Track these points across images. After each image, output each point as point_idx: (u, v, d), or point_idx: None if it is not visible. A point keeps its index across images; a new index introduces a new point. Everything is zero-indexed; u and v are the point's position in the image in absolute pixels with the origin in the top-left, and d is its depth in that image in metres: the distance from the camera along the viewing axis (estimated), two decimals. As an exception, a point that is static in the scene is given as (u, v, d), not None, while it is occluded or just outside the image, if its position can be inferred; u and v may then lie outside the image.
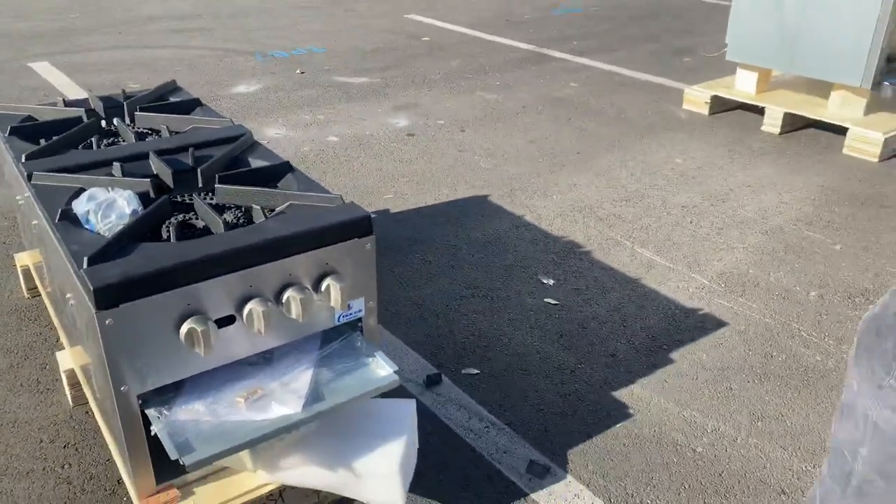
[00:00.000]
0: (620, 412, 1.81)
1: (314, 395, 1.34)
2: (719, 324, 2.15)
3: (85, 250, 1.25)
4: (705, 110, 3.90)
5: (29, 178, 1.55)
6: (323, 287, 1.38)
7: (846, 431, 0.97)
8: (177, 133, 1.85)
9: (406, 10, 6.33)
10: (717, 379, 1.93)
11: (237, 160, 1.68)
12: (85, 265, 1.21)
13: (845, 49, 3.34)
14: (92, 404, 1.65)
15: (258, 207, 1.47)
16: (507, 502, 1.55)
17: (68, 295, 1.44)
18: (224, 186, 1.51)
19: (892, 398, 0.89)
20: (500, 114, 3.87)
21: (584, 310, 2.21)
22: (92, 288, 1.16)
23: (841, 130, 3.48)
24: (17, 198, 1.85)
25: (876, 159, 3.30)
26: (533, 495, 1.57)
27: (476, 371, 1.94)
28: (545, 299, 2.27)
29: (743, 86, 3.86)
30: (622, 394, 1.87)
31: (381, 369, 1.41)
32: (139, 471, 1.34)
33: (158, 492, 1.38)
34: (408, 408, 1.48)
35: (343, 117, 3.74)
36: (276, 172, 1.61)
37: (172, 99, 2.08)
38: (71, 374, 1.75)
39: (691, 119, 3.85)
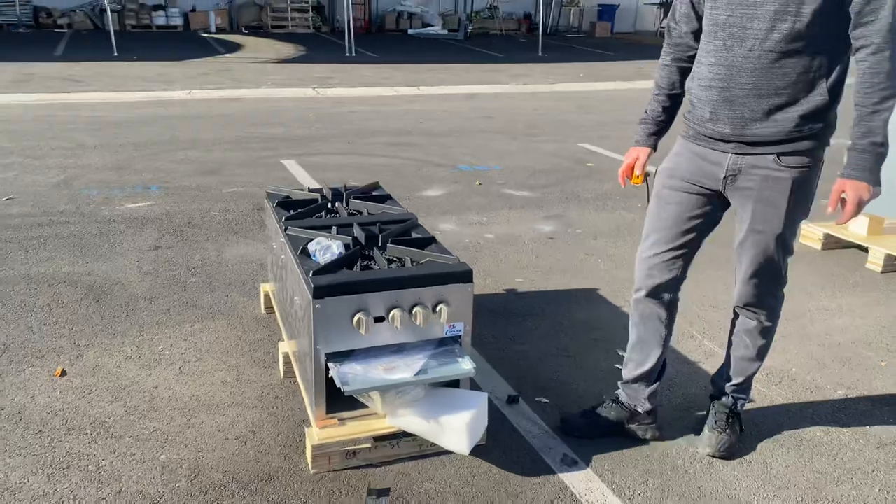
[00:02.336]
0: (642, 441, 2.49)
1: (423, 371, 2.22)
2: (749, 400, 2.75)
3: (311, 268, 2.27)
4: (818, 245, 4.42)
5: (285, 230, 2.64)
6: (437, 309, 2.28)
7: None
8: (372, 214, 2.89)
9: (581, 140, 7.34)
10: (728, 434, 2.54)
11: (404, 232, 2.67)
12: (311, 275, 2.22)
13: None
14: (297, 374, 2.65)
15: (409, 259, 2.42)
16: (542, 475, 2.30)
17: (296, 298, 2.46)
18: (393, 246, 2.49)
19: None
20: (633, 229, 4.65)
21: (643, 376, 2.91)
22: (313, 286, 2.16)
23: (938, 274, 3.87)
24: (273, 244, 2.98)
25: (963, 302, 3.66)
26: (560, 475, 2.31)
27: (546, 400, 2.72)
28: (616, 365, 2.99)
29: (856, 228, 4.35)
30: (649, 431, 2.55)
31: (466, 365, 2.27)
32: (319, 402, 2.28)
33: (327, 419, 2.31)
34: (481, 396, 2.31)
35: (502, 220, 4.73)
36: (426, 241, 2.57)
37: (374, 193, 3.16)
38: (285, 356, 2.77)
39: (802, 252, 4.38)
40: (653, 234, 2.36)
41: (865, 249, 4.27)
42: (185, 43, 14.86)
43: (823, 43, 2.01)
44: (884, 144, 1.99)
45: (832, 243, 4.42)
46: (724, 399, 2.51)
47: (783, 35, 1.98)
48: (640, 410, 2.50)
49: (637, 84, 11.54)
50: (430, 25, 18.33)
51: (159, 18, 16.98)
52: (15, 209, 4.61)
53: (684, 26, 2.26)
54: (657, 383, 2.51)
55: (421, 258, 2.44)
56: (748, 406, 2.68)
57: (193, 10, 17.17)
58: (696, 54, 2.25)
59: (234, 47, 14.62)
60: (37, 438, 2.39)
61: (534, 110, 9.03)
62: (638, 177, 2.43)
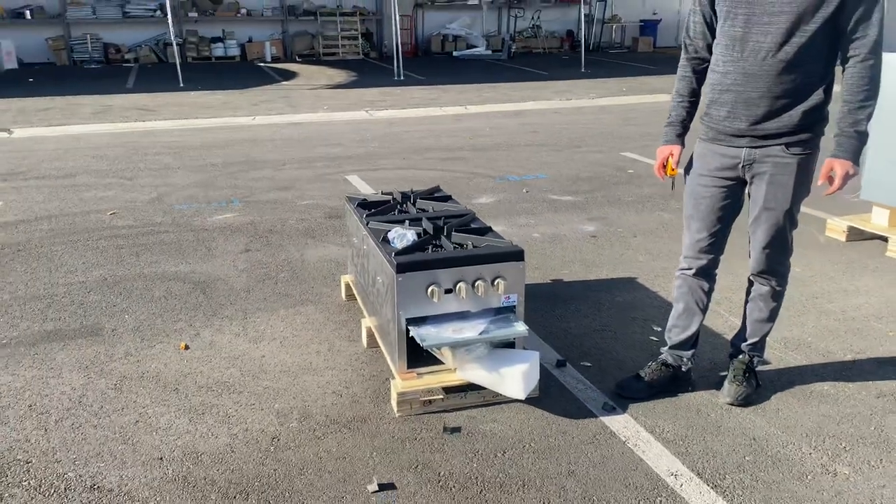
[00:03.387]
0: (672, 393, 2.95)
1: (485, 332, 2.73)
2: (764, 363, 3.18)
3: (393, 251, 2.80)
4: (843, 237, 4.79)
5: (367, 224, 3.19)
6: (495, 283, 2.79)
7: None
8: (436, 211, 3.42)
9: (623, 150, 7.78)
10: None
11: (465, 223, 3.19)
12: (394, 256, 2.75)
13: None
14: (381, 345, 3.18)
15: (470, 244, 2.94)
16: (586, 418, 2.78)
17: (378, 278, 3.00)
18: (457, 233, 3.01)
19: None
20: (670, 228, 5.08)
21: (674, 346, 3.35)
22: (395, 263, 2.69)
23: (951, 258, 4.21)
24: (354, 238, 3.53)
25: (973, 282, 4.01)
26: (601, 418, 2.78)
27: (589, 364, 3.20)
28: (650, 337, 3.45)
29: (877, 220, 4.71)
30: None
31: (520, 328, 2.77)
32: (401, 358, 2.81)
33: (407, 372, 2.83)
34: (533, 354, 2.80)
35: (547, 222, 5.22)
36: (483, 230, 3.09)
37: (436, 195, 3.69)
38: (368, 330, 3.31)
39: (828, 243, 4.76)
40: (694, 223, 2.83)
41: (886, 239, 4.63)
42: (244, 72, 15.74)
43: (820, 54, 2.48)
44: (866, 133, 2.45)
45: (856, 235, 4.78)
46: (741, 356, 2.95)
47: (792, 49, 2.46)
48: (683, 370, 2.97)
49: (677, 96, 11.90)
50: (474, 47, 18.95)
51: (218, 50, 17.94)
52: (120, 222, 5.29)
53: (700, 42, 2.74)
54: (695, 347, 2.97)
55: (480, 243, 2.95)
56: (766, 367, 3.12)
57: (250, 40, 18.12)
58: (707, 65, 2.73)
59: (289, 75, 15.44)
60: (174, 394, 2.97)
61: (577, 124, 9.50)
62: (674, 170, 2.87)
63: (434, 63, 17.27)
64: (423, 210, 3.48)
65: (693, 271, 2.88)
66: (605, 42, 20.89)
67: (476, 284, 2.78)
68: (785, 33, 2.45)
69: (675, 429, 2.72)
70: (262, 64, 17.38)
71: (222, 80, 14.30)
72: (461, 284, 2.76)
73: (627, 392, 2.94)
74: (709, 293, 2.92)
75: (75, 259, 4.51)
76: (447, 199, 3.63)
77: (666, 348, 3.02)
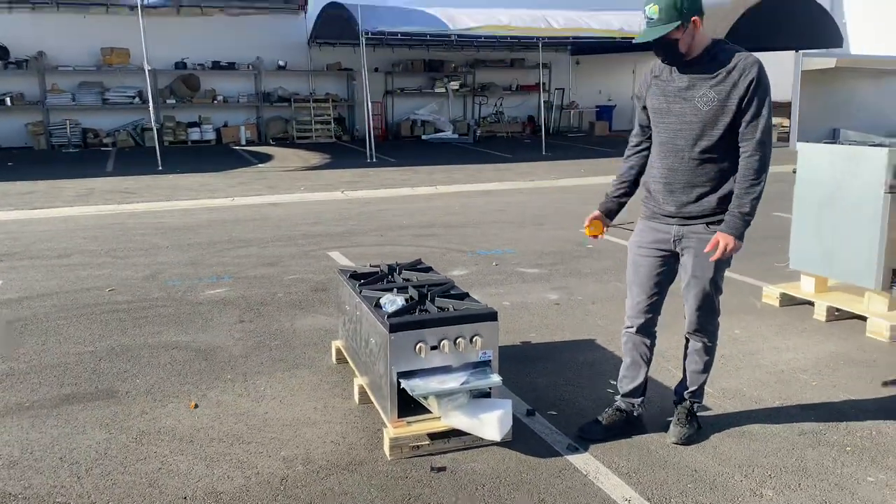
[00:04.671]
0: (626, 435, 3.41)
1: (465, 382, 3.19)
2: (706, 409, 3.67)
3: (386, 314, 3.27)
4: (777, 303, 5.38)
5: (360, 292, 3.66)
6: (473, 340, 3.27)
7: None
8: (420, 280, 3.92)
9: (582, 227, 8.39)
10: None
11: (446, 290, 3.68)
12: (387, 318, 3.22)
13: (862, 262, 4.78)
14: (373, 399, 3.60)
15: (451, 307, 3.43)
16: (552, 457, 3.22)
17: (372, 339, 3.45)
18: (440, 299, 3.50)
19: None
20: (625, 297, 5.61)
21: (629, 397, 3.83)
22: (389, 324, 3.16)
23: (869, 319, 4.81)
24: (346, 306, 3.99)
25: (886, 340, 4.59)
26: (566, 457, 3.22)
27: (555, 412, 3.65)
28: (608, 389, 3.93)
29: (806, 287, 5.32)
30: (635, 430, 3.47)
31: (495, 378, 3.23)
32: (392, 408, 3.24)
33: (398, 421, 3.25)
34: (507, 402, 3.26)
35: (516, 292, 5.74)
36: (462, 295, 3.59)
37: (419, 266, 4.19)
38: (360, 388, 3.73)
39: (764, 308, 5.34)
40: (634, 287, 3.37)
41: (813, 304, 5.23)
42: (220, 156, 16.32)
43: (729, 151, 3.07)
44: (750, 214, 3.02)
45: (787, 301, 5.38)
46: (683, 403, 3.44)
47: (700, 149, 3.07)
48: (635, 414, 3.44)
49: (632, 177, 12.72)
50: (441, 131, 19.90)
51: (194, 134, 18.56)
52: (119, 297, 5.67)
53: (644, 143, 3.36)
54: (644, 395, 3.46)
55: (460, 306, 3.44)
56: (706, 413, 3.61)
57: (225, 125, 18.81)
58: (644, 156, 3.32)
59: (265, 157, 16.06)
60: (190, 445, 3.34)
61: (540, 203, 10.18)
62: (587, 226, 3.41)
63: (404, 146, 18.09)
64: (408, 280, 3.97)
65: (634, 329, 3.40)
66: (565, 126, 22.05)
67: (457, 341, 3.25)
68: (695, 138, 3.06)
69: (629, 464, 3.17)
70: (237, 147, 18.01)
71: (200, 163, 14.84)
72: (445, 342, 3.23)
73: (588, 435, 3.39)
74: (651, 347, 3.43)
75: (81, 331, 4.88)
76: (428, 269, 4.14)
77: (619, 396, 3.50)
